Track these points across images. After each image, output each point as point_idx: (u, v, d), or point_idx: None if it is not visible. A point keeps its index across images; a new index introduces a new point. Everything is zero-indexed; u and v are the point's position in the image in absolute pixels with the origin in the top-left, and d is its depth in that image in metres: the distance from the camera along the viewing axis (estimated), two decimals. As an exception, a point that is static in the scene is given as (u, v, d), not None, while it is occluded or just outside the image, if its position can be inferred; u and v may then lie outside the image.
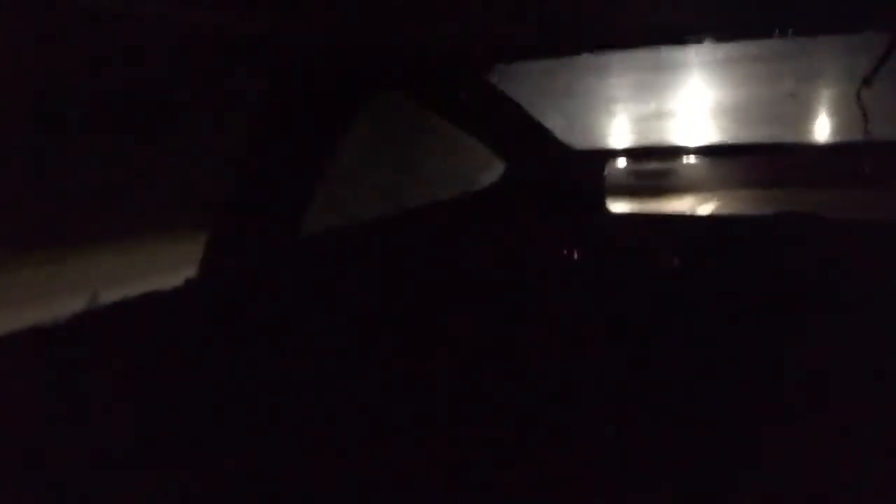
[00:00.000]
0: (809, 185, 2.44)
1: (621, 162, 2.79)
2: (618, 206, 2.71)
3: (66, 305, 1.40)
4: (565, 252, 2.57)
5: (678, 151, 3.07)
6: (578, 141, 2.78)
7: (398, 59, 1.91)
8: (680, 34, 1.77)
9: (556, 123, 2.72)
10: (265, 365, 1.69)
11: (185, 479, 1.44)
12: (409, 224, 2.37)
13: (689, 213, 2.59)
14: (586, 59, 2.00)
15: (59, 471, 1.27)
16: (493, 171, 2.66)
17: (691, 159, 2.95)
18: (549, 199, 2.61)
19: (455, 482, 1.76)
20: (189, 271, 1.60)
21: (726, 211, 2.54)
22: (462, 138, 2.49)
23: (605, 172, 2.69)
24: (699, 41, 1.81)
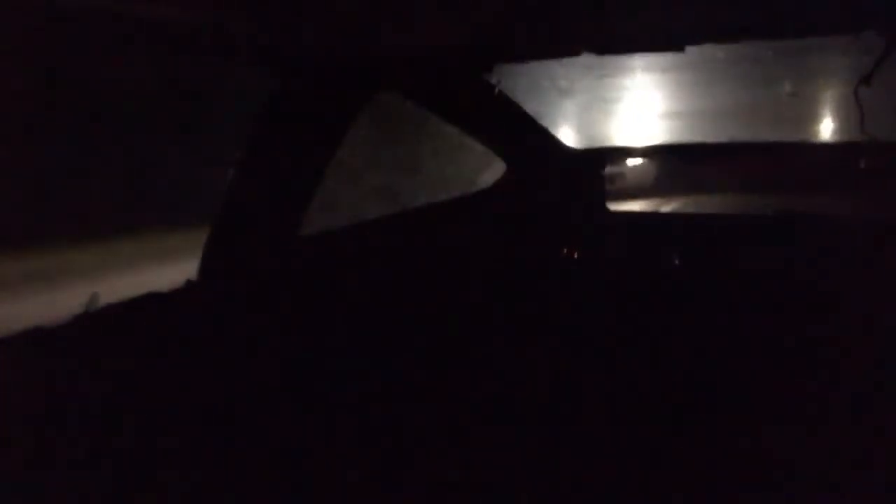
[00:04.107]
0: (809, 186, 2.45)
1: (621, 162, 2.79)
2: (618, 206, 2.71)
3: (66, 304, 1.40)
4: (565, 252, 2.57)
5: (678, 151, 3.06)
6: (578, 141, 2.78)
7: (398, 59, 1.91)
8: (680, 35, 1.76)
9: (556, 123, 2.72)
10: (265, 365, 1.69)
11: (184, 479, 1.44)
12: (409, 224, 2.38)
13: (689, 212, 2.58)
14: (586, 59, 1.99)
15: (59, 470, 1.27)
16: (493, 171, 2.66)
17: (691, 159, 2.96)
18: (549, 199, 2.61)
19: (454, 480, 1.76)
20: (189, 271, 1.61)
21: (726, 211, 2.54)
22: (462, 138, 2.49)
23: (605, 172, 2.69)
24: (699, 42, 1.81)
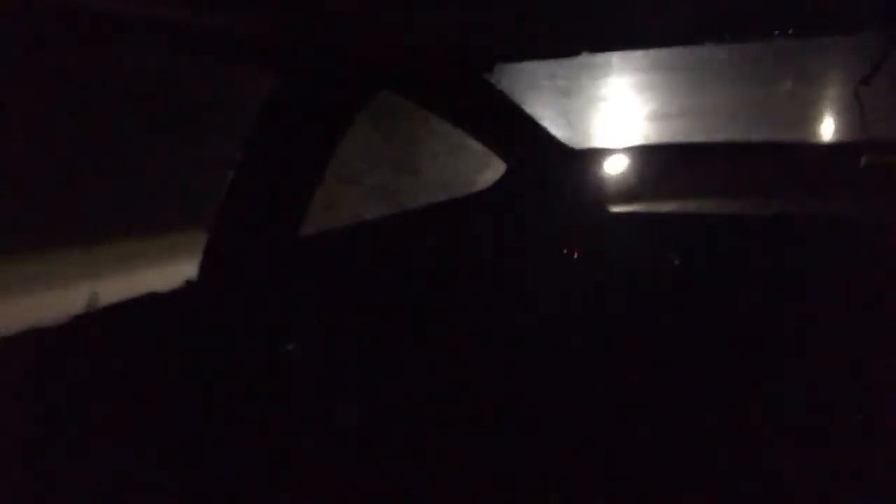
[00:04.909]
0: (809, 186, 2.45)
1: (621, 161, 2.79)
2: (618, 206, 2.71)
3: (66, 304, 1.40)
4: (565, 252, 2.57)
5: (678, 150, 3.07)
6: (578, 141, 2.78)
7: (398, 59, 1.91)
8: (680, 34, 1.77)
9: (556, 123, 2.72)
10: (265, 365, 1.69)
11: (184, 479, 1.44)
12: (409, 224, 2.38)
13: (688, 212, 2.58)
14: (586, 59, 1.99)
15: (59, 470, 1.27)
16: (493, 171, 2.66)
17: (690, 158, 2.96)
18: (549, 199, 2.61)
19: (452, 480, 1.76)
20: (189, 271, 1.60)
21: (726, 211, 2.54)
22: (462, 138, 2.49)
23: (605, 172, 2.69)
24: (699, 41, 1.81)
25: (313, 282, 1.89)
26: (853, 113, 2.04)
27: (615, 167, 2.76)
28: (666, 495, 1.71)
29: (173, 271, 1.61)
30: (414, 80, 2.10)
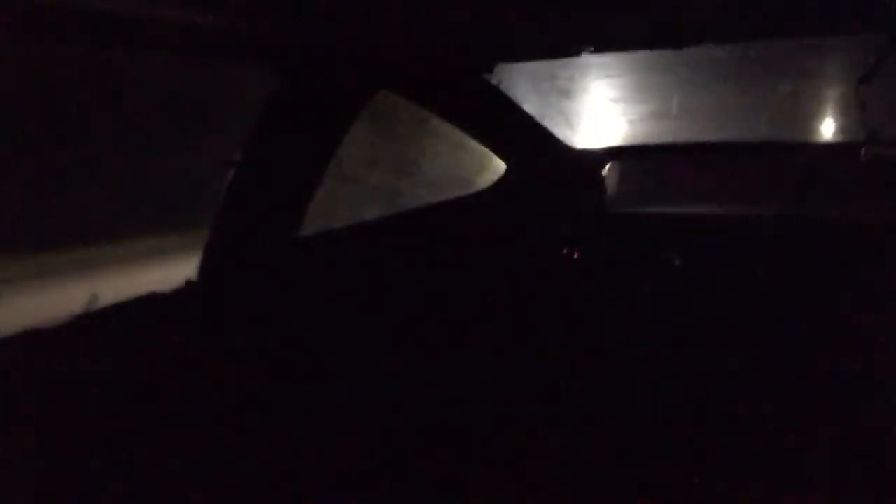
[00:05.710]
0: (809, 186, 2.45)
1: (621, 161, 2.79)
2: (618, 206, 2.71)
3: (66, 304, 1.40)
4: (565, 252, 2.57)
5: (678, 150, 3.06)
6: (578, 141, 2.78)
7: (398, 59, 1.91)
8: (680, 34, 1.76)
9: (556, 123, 2.71)
10: (264, 365, 1.69)
11: (184, 479, 1.45)
12: (408, 224, 2.38)
13: (689, 212, 2.58)
14: (586, 59, 1.99)
15: (59, 470, 1.27)
16: (493, 171, 2.66)
17: (691, 158, 2.96)
18: (549, 199, 2.61)
19: (452, 482, 1.77)
20: (189, 271, 1.61)
21: (726, 211, 2.54)
22: (462, 138, 2.49)
23: (605, 172, 2.69)
24: (699, 41, 1.81)
25: (313, 282, 1.89)
26: (853, 112, 2.04)
27: (615, 167, 2.76)
28: (668, 496, 1.71)
29: (173, 271, 1.61)
30: (414, 80, 2.10)
